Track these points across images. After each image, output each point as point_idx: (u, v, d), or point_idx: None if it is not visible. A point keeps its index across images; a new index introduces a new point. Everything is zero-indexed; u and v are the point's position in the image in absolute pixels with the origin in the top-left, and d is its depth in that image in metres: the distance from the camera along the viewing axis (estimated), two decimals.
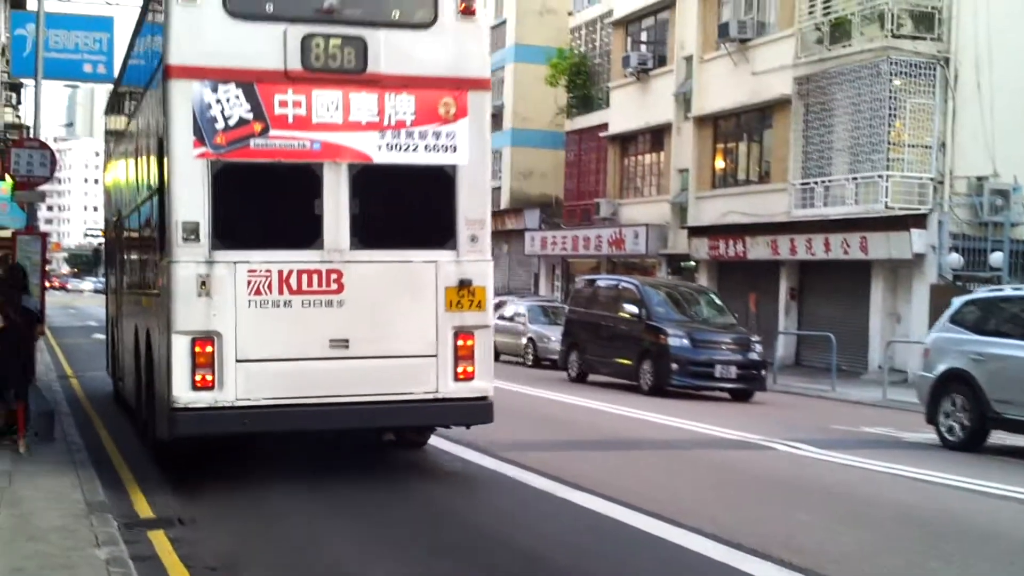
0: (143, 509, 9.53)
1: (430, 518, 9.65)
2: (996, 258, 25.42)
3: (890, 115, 25.95)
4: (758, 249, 30.26)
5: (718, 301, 23.76)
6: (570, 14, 43.73)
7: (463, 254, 10.92)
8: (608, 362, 22.99)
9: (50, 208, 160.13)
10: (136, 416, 13.51)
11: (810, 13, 28.46)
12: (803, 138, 28.71)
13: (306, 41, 10.50)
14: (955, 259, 25.56)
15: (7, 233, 29.16)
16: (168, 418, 10.30)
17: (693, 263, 33.78)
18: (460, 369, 10.85)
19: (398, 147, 10.75)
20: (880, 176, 25.88)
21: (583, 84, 42.14)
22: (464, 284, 10.91)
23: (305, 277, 10.44)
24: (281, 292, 10.38)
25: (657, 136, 37.10)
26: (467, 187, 10.96)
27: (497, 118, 47.76)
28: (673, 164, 35.74)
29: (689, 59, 34.58)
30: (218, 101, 10.27)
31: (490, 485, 11.31)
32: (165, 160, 10.46)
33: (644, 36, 38.27)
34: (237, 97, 10.31)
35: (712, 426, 16.26)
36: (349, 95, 10.60)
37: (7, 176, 22.37)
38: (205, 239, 10.20)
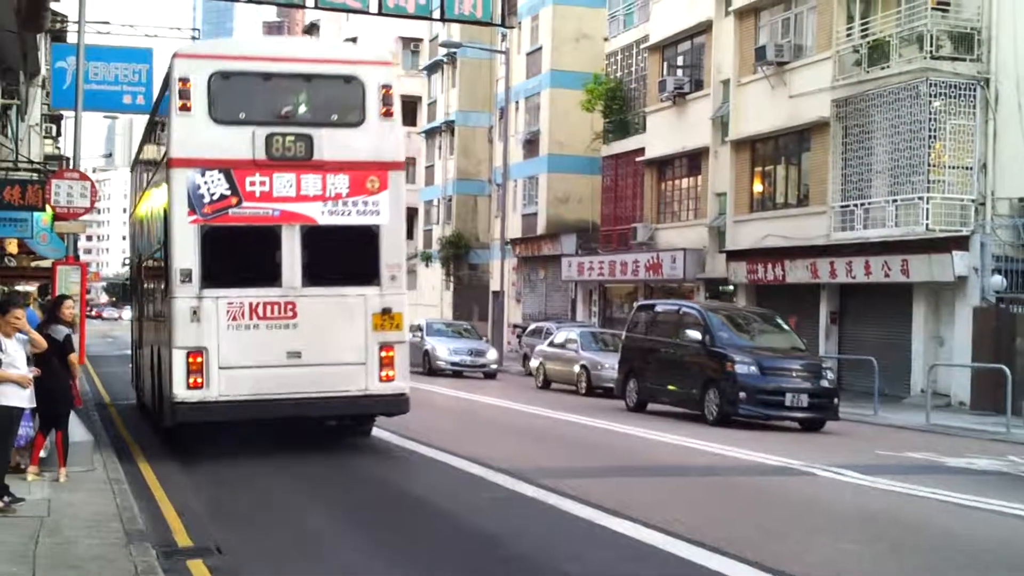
0: (182, 538, 9.52)
1: (466, 543, 9.55)
2: None
3: (930, 136, 25.71)
4: (797, 272, 30.03)
5: (785, 325, 22.55)
6: (606, 40, 43.73)
7: (385, 289, 14.47)
8: (669, 390, 21.93)
9: (89, 238, 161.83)
10: (152, 413, 16.93)
11: (848, 35, 28.31)
12: (842, 160, 28.49)
13: (268, 138, 14.24)
14: (998, 281, 25.24)
15: (48, 263, 29.41)
16: (171, 410, 13.89)
17: (731, 287, 33.58)
18: (384, 373, 14.34)
19: (337, 213, 14.38)
20: (920, 198, 25.62)
21: (619, 109, 42.10)
22: (386, 311, 14.41)
23: (269, 307, 14.05)
24: (251, 318, 13.97)
25: (694, 160, 36.98)
26: (387, 240, 14.59)
27: (534, 144, 47.87)
28: (710, 188, 35.60)
29: (726, 83, 34.49)
30: (205, 182, 14.00)
31: (532, 513, 11.19)
32: (168, 224, 14.21)
33: (680, 60, 38.22)
34: (219, 179, 14.03)
35: (753, 452, 16.08)
36: (300, 176, 14.27)
37: (48, 207, 22.54)
38: (196, 281, 13.86)
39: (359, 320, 14.25)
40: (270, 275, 14.10)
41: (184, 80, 14.17)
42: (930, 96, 25.62)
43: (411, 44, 67.68)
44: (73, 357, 12.42)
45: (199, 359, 13.66)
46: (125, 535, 9.00)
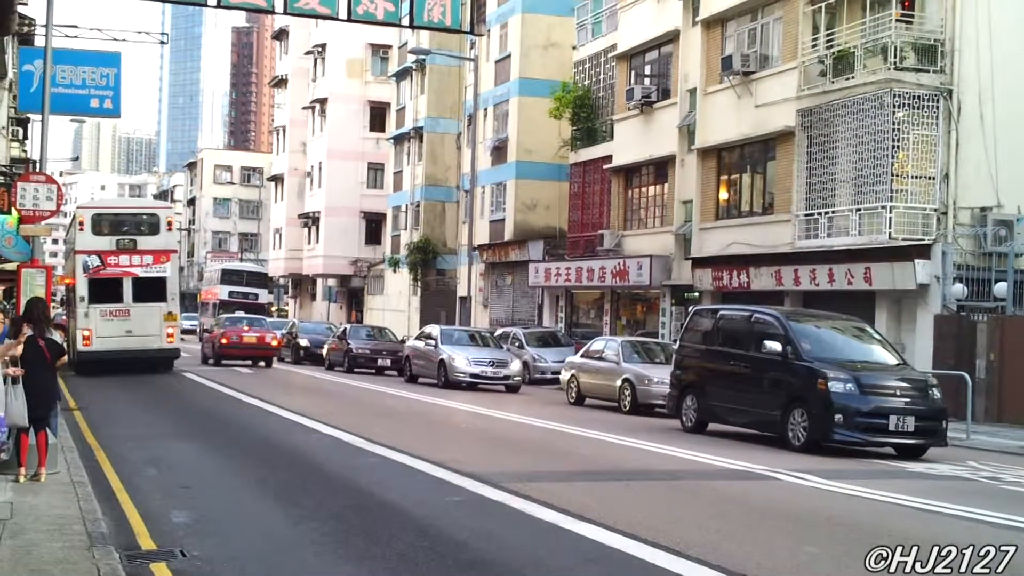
0: (145, 541, 9.49)
1: (450, 551, 9.61)
2: (1000, 288, 25.41)
3: (893, 146, 25.98)
4: (762, 280, 30.27)
5: (877, 335, 19.99)
6: (574, 48, 43.93)
7: (169, 303, 31.86)
8: (739, 410, 19.33)
9: (55, 241, 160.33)
10: (71, 362, 28.95)
11: (813, 46, 28.58)
12: (806, 169, 28.75)
13: (117, 241, 31.46)
14: (959, 289, 25.53)
15: (12, 266, 29.26)
16: (77, 355, 30.44)
17: (697, 294, 33.79)
18: (169, 340, 31.69)
19: (148, 271, 31.39)
20: (884, 207, 25.89)
21: (587, 117, 42.29)
22: (170, 313, 31.74)
23: (118, 312, 31.11)
24: (110, 316, 31.02)
25: (661, 168, 37.20)
26: (170, 283, 31.98)
27: (502, 151, 47.99)
28: (677, 195, 35.82)
29: (693, 92, 34.73)
30: (90, 260, 31.11)
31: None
32: (76, 276, 31.74)
33: (648, 69, 38.43)
34: (96, 258, 31.14)
35: (712, 456, 16.20)
36: (131, 256, 31.37)
37: (14, 210, 22.47)
38: (87, 300, 31.01)
39: (157, 317, 31.23)
40: (119, 298, 30.93)
41: (82, 217, 31.77)
42: (894, 107, 25.90)
43: (380, 50, 67.77)
44: (65, 359, 12.58)
45: (87, 333, 30.37)
46: (88, 538, 8.98)
